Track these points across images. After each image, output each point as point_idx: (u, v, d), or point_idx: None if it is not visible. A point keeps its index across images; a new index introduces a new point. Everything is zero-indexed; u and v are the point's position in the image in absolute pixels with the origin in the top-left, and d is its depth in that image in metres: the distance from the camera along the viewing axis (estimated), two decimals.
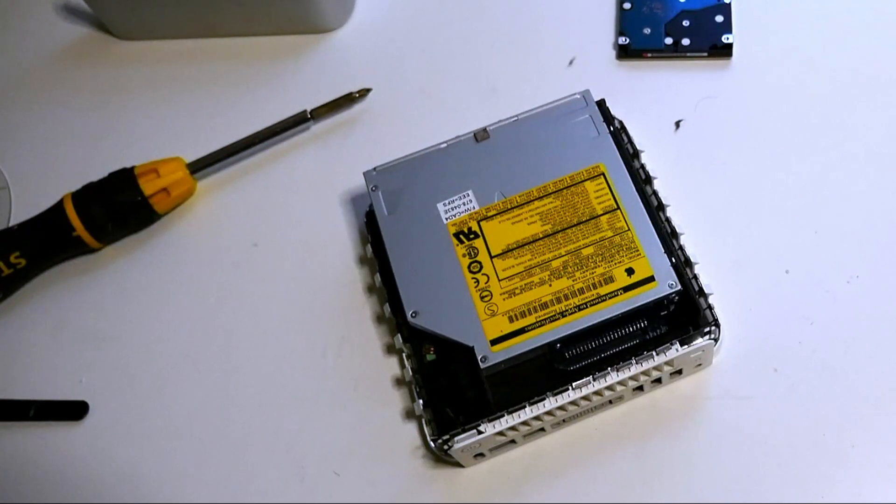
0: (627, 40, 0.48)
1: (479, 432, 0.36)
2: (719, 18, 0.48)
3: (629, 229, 0.39)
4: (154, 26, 0.53)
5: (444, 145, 0.42)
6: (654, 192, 0.41)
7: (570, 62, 0.49)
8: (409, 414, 0.41)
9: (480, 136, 0.42)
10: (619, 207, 0.39)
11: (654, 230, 0.38)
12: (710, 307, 0.38)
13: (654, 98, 0.47)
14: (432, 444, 0.37)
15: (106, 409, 0.44)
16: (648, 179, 0.41)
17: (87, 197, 0.46)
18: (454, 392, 0.37)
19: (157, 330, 0.45)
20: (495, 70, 0.50)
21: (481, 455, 0.39)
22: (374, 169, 0.42)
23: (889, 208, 0.43)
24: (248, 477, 0.41)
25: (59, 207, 0.46)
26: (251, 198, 0.48)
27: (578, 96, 0.43)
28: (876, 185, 0.43)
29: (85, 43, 0.55)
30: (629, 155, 0.42)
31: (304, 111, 0.49)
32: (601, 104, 0.43)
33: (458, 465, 0.39)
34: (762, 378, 0.39)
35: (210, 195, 0.49)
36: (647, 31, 0.48)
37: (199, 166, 0.48)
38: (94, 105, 0.53)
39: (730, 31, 0.47)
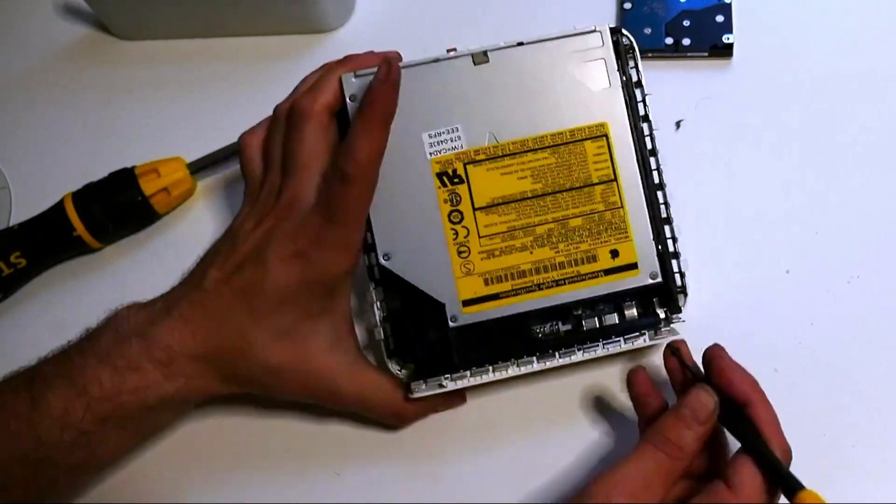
0: None
1: (441, 386, 0.36)
2: (720, 18, 0.48)
3: (622, 206, 0.37)
4: (154, 26, 0.53)
5: (438, 61, 0.38)
6: (658, 168, 0.39)
7: None
8: None
9: (479, 59, 0.38)
10: (615, 179, 0.38)
11: (647, 212, 0.37)
12: (684, 290, 0.38)
13: (654, 98, 0.47)
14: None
15: None
16: (654, 151, 0.39)
17: (87, 197, 0.46)
18: (420, 341, 0.37)
19: None
20: None
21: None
22: (355, 74, 0.37)
23: (889, 208, 0.43)
24: (247, 477, 0.41)
25: (59, 207, 0.46)
26: None
27: (596, 32, 0.38)
28: (876, 184, 0.43)
29: (85, 43, 0.55)
30: (639, 117, 0.38)
31: None
32: (617, 45, 0.38)
33: None
34: (762, 378, 0.39)
35: (210, 195, 0.49)
36: (647, 30, 0.48)
37: (199, 166, 0.48)
38: (94, 105, 0.53)
39: (730, 31, 0.47)
